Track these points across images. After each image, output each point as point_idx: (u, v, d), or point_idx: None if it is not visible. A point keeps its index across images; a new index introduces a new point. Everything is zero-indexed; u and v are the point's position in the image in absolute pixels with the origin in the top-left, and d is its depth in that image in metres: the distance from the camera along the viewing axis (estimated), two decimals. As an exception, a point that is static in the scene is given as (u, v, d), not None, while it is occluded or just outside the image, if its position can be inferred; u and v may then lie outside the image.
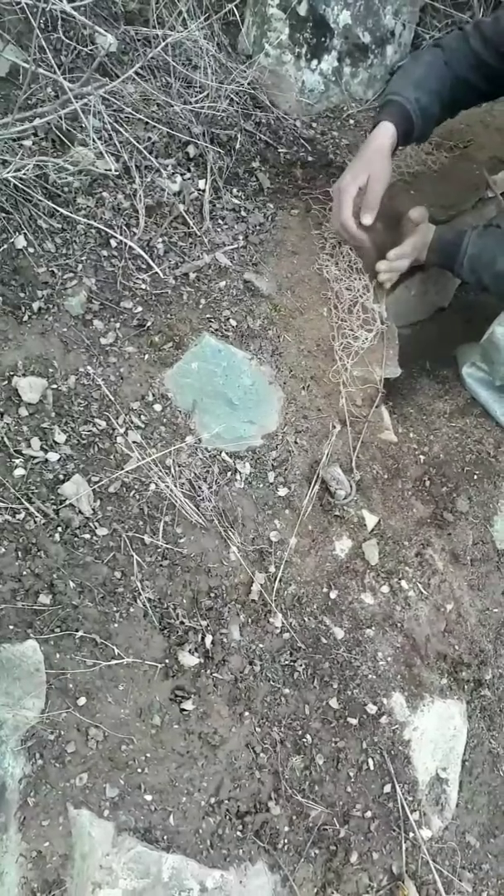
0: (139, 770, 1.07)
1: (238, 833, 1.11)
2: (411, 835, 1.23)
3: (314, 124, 1.95)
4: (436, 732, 1.31)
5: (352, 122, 2.00)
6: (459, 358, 1.78)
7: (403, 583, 1.39)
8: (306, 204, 1.68)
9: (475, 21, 1.60)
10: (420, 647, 1.35)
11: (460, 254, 1.62)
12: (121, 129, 1.50)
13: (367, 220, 1.50)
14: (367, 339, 1.55)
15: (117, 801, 1.03)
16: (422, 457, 1.54)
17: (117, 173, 1.51)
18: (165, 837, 1.04)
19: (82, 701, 1.07)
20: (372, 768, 1.24)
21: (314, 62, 1.92)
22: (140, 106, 1.60)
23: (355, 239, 1.53)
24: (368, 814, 1.21)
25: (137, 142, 1.51)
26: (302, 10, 1.84)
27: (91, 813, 1.01)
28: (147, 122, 1.57)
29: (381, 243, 1.63)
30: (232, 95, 1.74)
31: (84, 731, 1.05)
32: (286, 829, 1.15)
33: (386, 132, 1.50)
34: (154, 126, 1.57)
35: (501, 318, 1.64)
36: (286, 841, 1.14)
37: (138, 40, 1.69)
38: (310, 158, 1.82)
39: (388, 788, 1.24)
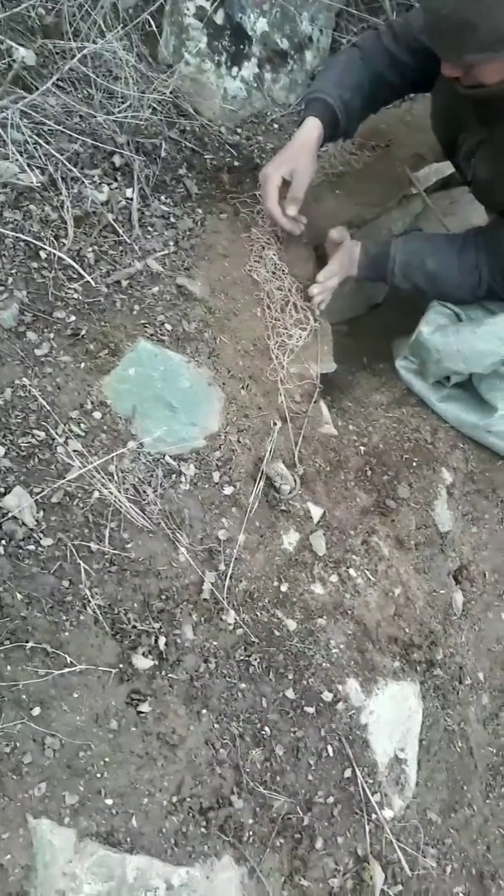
0: (98, 775, 1.07)
1: (202, 829, 1.11)
2: (374, 816, 1.26)
3: (239, 130, 1.98)
4: (392, 714, 1.34)
5: (276, 126, 2.04)
6: (394, 351, 1.83)
7: (351, 571, 1.42)
8: (234, 208, 1.71)
9: (388, 21, 1.66)
10: (371, 632, 1.38)
11: (389, 264, 1.67)
12: (42, 142, 1.51)
13: (292, 211, 1.55)
14: (301, 336, 1.58)
15: (77, 808, 1.03)
16: (362, 448, 1.58)
17: (43, 186, 1.52)
18: (128, 839, 1.05)
19: (37, 711, 1.06)
20: (331, 755, 1.26)
21: (235, 69, 1.96)
22: (62, 118, 1.61)
23: (283, 227, 1.57)
24: (331, 799, 1.23)
25: (60, 153, 1.52)
26: (218, 18, 1.88)
27: (51, 821, 1.00)
28: (70, 134, 1.58)
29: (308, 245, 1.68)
30: (154, 104, 1.76)
31: (40, 741, 1.05)
32: (250, 821, 1.16)
33: (312, 126, 1.55)
34: (78, 137, 1.58)
35: (427, 317, 1.68)
36: (251, 833, 1.15)
37: (57, 53, 1.69)
38: (236, 163, 1.85)
39: (348, 773, 1.26)
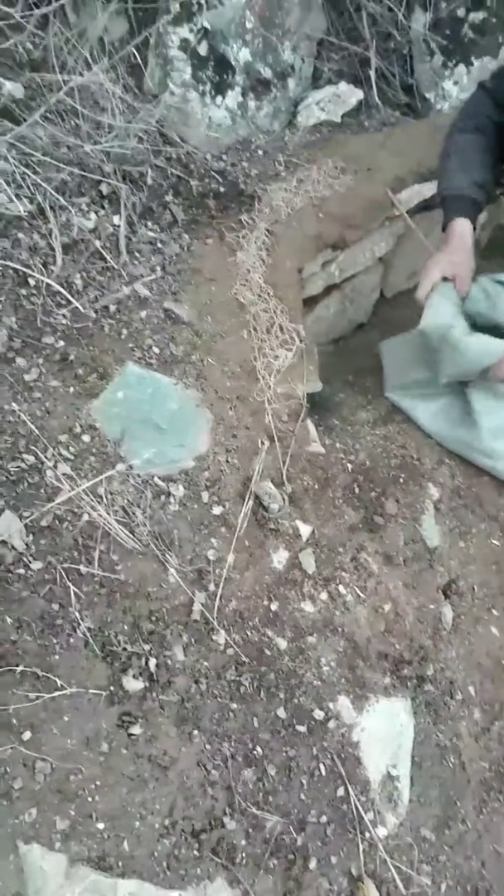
0: (89, 799, 1.07)
1: (195, 852, 1.11)
2: (367, 835, 1.25)
3: (224, 157, 2.02)
4: (383, 731, 1.34)
5: (260, 152, 2.09)
6: (386, 380, 1.83)
7: (341, 588, 1.43)
8: (220, 233, 1.75)
9: (483, 84, 1.73)
10: (361, 648, 1.39)
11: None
12: (30, 173, 1.54)
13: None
14: (287, 357, 1.61)
15: (68, 833, 1.03)
16: (349, 465, 1.60)
17: (31, 214, 1.55)
18: (120, 864, 1.04)
19: (27, 735, 1.06)
20: (324, 773, 1.26)
21: (219, 98, 2.01)
22: (50, 149, 1.64)
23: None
24: (324, 818, 1.23)
25: (48, 183, 1.55)
26: (202, 49, 1.93)
27: (42, 847, 1.00)
28: (58, 164, 1.61)
29: None
30: (140, 134, 1.80)
31: (31, 766, 1.05)
32: (243, 842, 1.16)
33: (465, 230, 1.61)
34: (65, 167, 1.62)
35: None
36: (244, 854, 1.15)
37: (44, 86, 1.73)
38: (222, 189, 1.89)
39: (341, 791, 1.26)
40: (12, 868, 0.99)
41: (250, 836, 1.17)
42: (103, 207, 1.66)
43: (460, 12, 2.31)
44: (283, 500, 1.47)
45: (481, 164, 1.66)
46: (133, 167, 1.75)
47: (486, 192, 1.66)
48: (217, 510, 1.41)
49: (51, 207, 1.57)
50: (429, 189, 2.10)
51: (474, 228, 1.65)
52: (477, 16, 2.29)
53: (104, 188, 1.68)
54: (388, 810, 1.29)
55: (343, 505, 1.54)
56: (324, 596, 1.42)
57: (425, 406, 1.74)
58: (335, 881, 1.20)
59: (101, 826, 1.06)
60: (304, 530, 1.46)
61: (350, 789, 1.26)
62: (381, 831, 1.27)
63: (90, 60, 1.76)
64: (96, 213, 1.64)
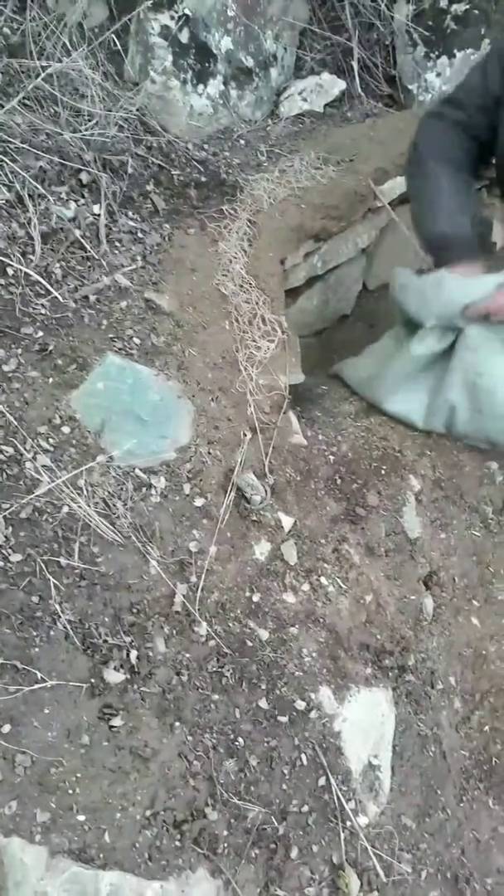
0: (70, 791, 1.06)
1: (176, 842, 1.11)
2: (349, 824, 1.26)
3: (206, 146, 2.01)
4: (365, 721, 1.35)
5: (242, 142, 2.07)
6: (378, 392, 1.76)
7: (323, 579, 1.43)
8: (202, 223, 1.73)
9: (442, 100, 1.66)
10: (343, 639, 1.39)
11: None
12: (8, 160, 1.51)
13: None
14: (269, 348, 1.60)
15: (49, 825, 1.02)
16: (331, 457, 1.60)
17: (9, 203, 1.53)
18: (101, 855, 1.04)
19: (6, 728, 1.05)
20: (305, 763, 1.26)
21: (200, 87, 1.99)
22: (29, 136, 1.62)
23: None
24: (305, 808, 1.24)
25: (27, 171, 1.53)
26: (183, 37, 1.91)
27: (22, 840, 0.99)
28: (37, 152, 1.59)
29: None
30: (121, 122, 1.78)
31: (10, 759, 1.04)
32: (225, 833, 1.16)
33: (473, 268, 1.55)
34: (44, 155, 1.59)
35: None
36: (226, 845, 1.15)
37: (22, 72, 1.71)
38: (203, 179, 1.88)
39: (322, 781, 1.27)
40: (-8, 861, 0.98)
41: (232, 827, 1.17)
42: (83, 196, 1.64)
43: (443, 3, 2.30)
44: (266, 491, 1.47)
45: (462, 190, 1.59)
46: (113, 156, 1.73)
47: (476, 221, 1.59)
48: (199, 502, 1.40)
49: (29, 196, 1.55)
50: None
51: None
52: (459, 7, 2.29)
53: (84, 177, 1.66)
54: (370, 799, 1.30)
55: (325, 496, 1.54)
56: (305, 587, 1.42)
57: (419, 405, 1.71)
58: (316, 870, 1.21)
59: (81, 818, 1.05)
60: (287, 522, 1.46)
61: (331, 779, 1.27)
62: (363, 820, 1.27)
63: (69, 46, 1.73)
64: (76, 202, 1.62)
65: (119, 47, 1.86)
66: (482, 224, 1.57)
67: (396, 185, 2.10)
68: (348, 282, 2.28)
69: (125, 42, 1.91)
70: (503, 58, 1.53)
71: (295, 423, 1.60)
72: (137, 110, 1.84)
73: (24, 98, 1.64)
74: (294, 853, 1.20)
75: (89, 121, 1.72)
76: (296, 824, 1.22)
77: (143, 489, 1.36)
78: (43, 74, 1.54)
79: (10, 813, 1.01)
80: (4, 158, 1.51)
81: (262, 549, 1.42)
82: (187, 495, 1.40)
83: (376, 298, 2.39)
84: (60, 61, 1.67)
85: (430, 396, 1.66)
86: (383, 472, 1.61)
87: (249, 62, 2.09)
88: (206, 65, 1.98)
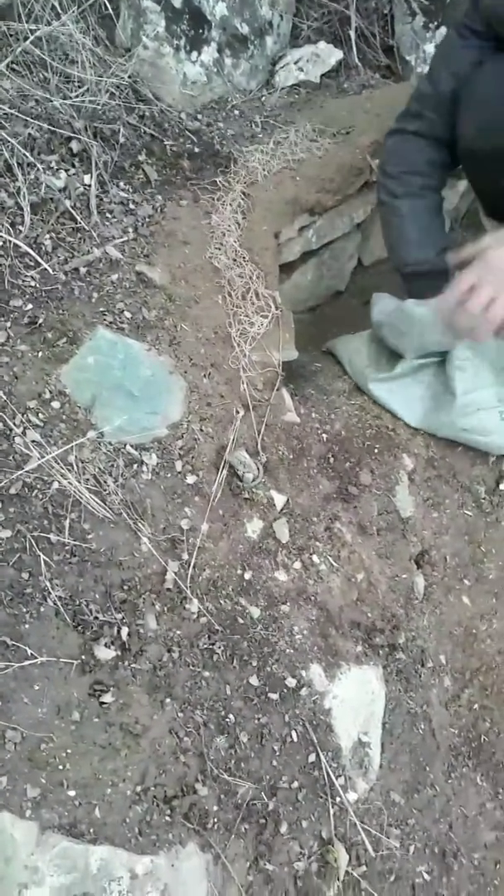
0: (60, 767, 1.06)
1: (167, 818, 1.11)
2: (338, 799, 1.27)
3: (199, 116, 1.96)
4: (355, 699, 1.35)
5: (236, 112, 2.03)
6: (366, 371, 1.76)
7: (315, 557, 1.43)
8: (195, 194, 1.70)
9: (406, 112, 1.62)
10: (334, 617, 1.39)
11: None
12: (-4, 126, 1.47)
13: None
14: (262, 324, 1.58)
15: (39, 801, 1.02)
16: (324, 435, 1.59)
17: (-2, 171, 1.49)
18: (92, 830, 1.04)
19: (-4, 705, 1.05)
20: (295, 740, 1.27)
21: (194, 54, 1.94)
22: (17, 102, 1.57)
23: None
24: (295, 784, 1.24)
25: (15, 138, 1.48)
26: (177, 2, 1.85)
27: (12, 815, 0.99)
28: (26, 119, 1.54)
29: None
30: (112, 89, 1.73)
31: (1, 735, 1.04)
32: (215, 808, 1.16)
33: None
34: (34, 122, 1.55)
35: None
36: (216, 820, 1.16)
37: (10, 35, 1.65)
38: (196, 150, 1.84)
39: (312, 758, 1.27)
40: (-18, 837, 0.98)
41: (222, 802, 1.17)
42: (73, 166, 1.60)
43: (443, -29, 2.25)
44: (258, 469, 1.45)
45: (432, 211, 1.57)
46: (104, 124, 1.68)
47: (445, 247, 1.54)
48: (191, 479, 1.39)
49: (18, 164, 1.51)
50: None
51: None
52: (460, -25, 2.23)
53: (74, 146, 1.61)
54: (359, 776, 1.31)
55: (318, 475, 1.53)
56: (297, 565, 1.41)
57: (402, 395, 1.71)
58: (306, 845, 1.22)
59: (72, 794, 1.05)
60: (279, 500, 1.45)
61: (321, 755, 1.27)
62: (352, 796, 1.28)
63: (59, 9, 1.68)
64: (66, 171, 1.58)
65: (110, 11, 1.81)
66: (451, 244, 1.55)
67: (393, 159, 2.06)
68: (343, 257, 2.25)
69: (116, 5, 1.85)
70: (446, 56, 1.51)
71: (288, 401, 1.58)
72: (129, 77, 1.79)
73: (12, 63, 1.59)
74: (283, 828, 1.20)
75: (80, 87, 1.67)
76: (285, 800, 1.23)
77: (135, 466, 1.34)
78: (31, 38, 1.49)
79: (1, 788, 1.01)
80: (-8, 124, 1.46)
81: (254, 527, 1.42)
82: (179, 472, 1.39)
83: (371, 274, 2.37)
84: (49, 24, 1.62)
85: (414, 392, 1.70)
86: (376, 450, 1.60)
87: (244, 29, 2.04)
88: (200, 31, 1.93)
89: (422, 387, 1.66)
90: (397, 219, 1.60)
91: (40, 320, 1.37)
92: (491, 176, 1.53)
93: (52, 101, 1.60)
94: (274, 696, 1.27)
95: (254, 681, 1.27)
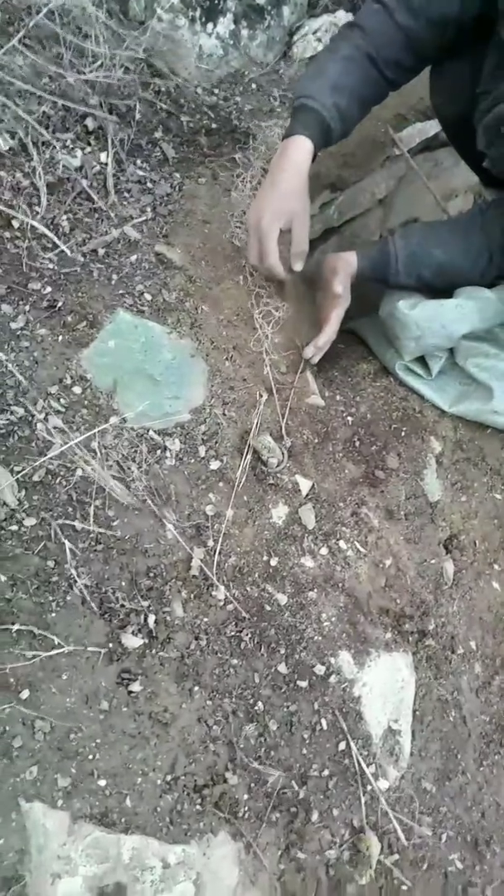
0: (90, 756, 1.05)
1: (197, 807, 1.10)
2: (369, 788, 1.25)
3: (216, 90, 1.91)
4: (384, 686, 1.33)
5: (254, 86, 1.97)
6: (387, 353, 1.73)
7: (342, 543, 1.40)
8: (213, 172, 1.66)
9: None
10: (362, 604, 1.37)
11: (391, 263, 1.57)
12: (11, 104, 1.43)
13: (299, 266, 1.47)
14: (285, 305, 1.54)
15: (70, 790, 1.01)
16: (350, 418, 1.55)
17: (13, 151, 1.45)
18: (123, 820, 1.03)
19: (25, 694, 1.04)
20: (325, 728, 1.25)
21: (210, 26, 1.88)
22: (31, 78, 1.53)
23: (280, 279, 1.50)
24: (325, 772, 1.22)
25: (30, 115, 1.45)
26: (192, -29, 1.79)
27: (44, 805, 0.98)
28: (41, 95, 1.50)
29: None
30: (127, 64, 1.68)
31: (30, 725, 1.03)
32: (245, 797, 1.15)
33: (301, 150, 1.39)
34: (48, 98, 1.51)
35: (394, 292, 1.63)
36: (246, 809, 1.14)
37: (22, 9, 1.61)
38: (214, 125, 1.79)
39: (342, 746, 1.25)
40: (14, 826, 0.97)
41: (252, 791, 1.16)
42: (89, 144, 1.56)
43: None
44: (283, 454, 1.42)
45: (356, 89, 1.39)
46: (120, 100, 1.64)
47: (343, 123, 1.42)
48: (214, 465, 1.36)
49: (34, 143, 1.47)
50: (432, 127, 2.00)
51: (318, 151, 1.40)
52: None
53: (90, 123, 1.57)
54: (390, 763, 1.29)
55: (343, 459, 1.50)
56: (324, 551, 1.39)
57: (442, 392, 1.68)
58: (337, 833, 1.20)
59: (102, 783, 1.04)
60: (304, 485, 1.42)
61: (352, 743, 1.25)
62: (383, 784, 1.26)
63: (71, -20, 1.63)
64: (82, 149, 1.54)
65: (124, -18, 1.76)
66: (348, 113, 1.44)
67: (416, 133, 2.01)
68: (365, 234, 2.19)
69: (130, -23, 1.80)
70: None
71: (312, 384, 1.55)
72: (144, 51, 1.74)
73: (24, 37, 1.55)
74: (314, 817, 1.19)
75: (94, 62, 1.62)
76: (316, 788, 1.21)
77: (158, 452, 1.32)
78: (44, 11, 1.45)
79: (31, 778, 1.00)
80: (7, 101, 1.43)
81: (279, 513, 1.39)
82: (202, 458, 1.36)
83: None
84: (61, -4, 1.57)
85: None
86: (403, 433, 1.57)
87: (261, -1, 1.98)
88: (216, 2, 1.87)
89: (454, 372, 1.63)
90: (325, 59, 1.45)
91: (59, 303, 1.34)
92: (467, 143, 1.49)
93: (65, 76, 1.56)
94: (303, 684, 1.25)
95: (282, 668, 1.25)
